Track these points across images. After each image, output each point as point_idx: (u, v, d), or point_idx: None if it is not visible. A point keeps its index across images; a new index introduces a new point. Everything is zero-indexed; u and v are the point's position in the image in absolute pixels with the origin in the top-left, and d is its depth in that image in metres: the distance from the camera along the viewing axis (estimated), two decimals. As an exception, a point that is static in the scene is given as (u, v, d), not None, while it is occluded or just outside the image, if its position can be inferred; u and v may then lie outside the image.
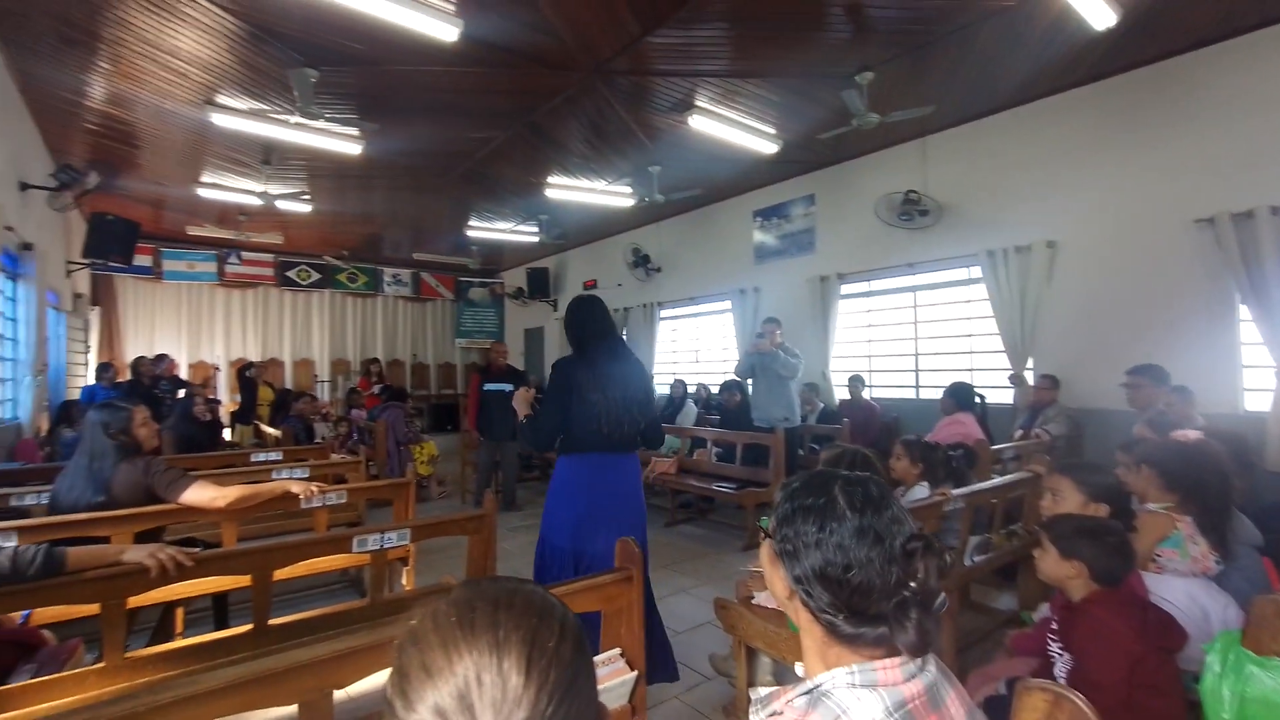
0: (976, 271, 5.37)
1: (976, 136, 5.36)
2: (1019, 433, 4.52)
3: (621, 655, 1.65)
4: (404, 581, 2.91)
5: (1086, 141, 4.71)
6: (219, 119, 4.80)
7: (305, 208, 6.98)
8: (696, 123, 5.00)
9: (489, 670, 0.44)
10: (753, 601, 2.21)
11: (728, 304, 7.65)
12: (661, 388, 8.46)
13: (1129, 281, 4.47)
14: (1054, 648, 1.49)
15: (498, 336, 12.21)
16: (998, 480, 2.77)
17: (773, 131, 5.43)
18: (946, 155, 5.58)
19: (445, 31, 3.51)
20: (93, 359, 7.90)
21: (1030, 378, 4.93)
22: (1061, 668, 1.45)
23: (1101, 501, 1.78)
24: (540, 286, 10.80)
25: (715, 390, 6.71)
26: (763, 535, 0.86)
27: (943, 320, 5.82)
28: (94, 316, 8.33)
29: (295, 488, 2.59)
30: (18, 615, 1.91)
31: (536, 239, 8.89)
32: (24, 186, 4.91)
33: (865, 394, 5.92)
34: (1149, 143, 4.39)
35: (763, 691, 0.78)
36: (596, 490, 2.32)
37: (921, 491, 2.58)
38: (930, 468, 2.67)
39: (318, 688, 1.19)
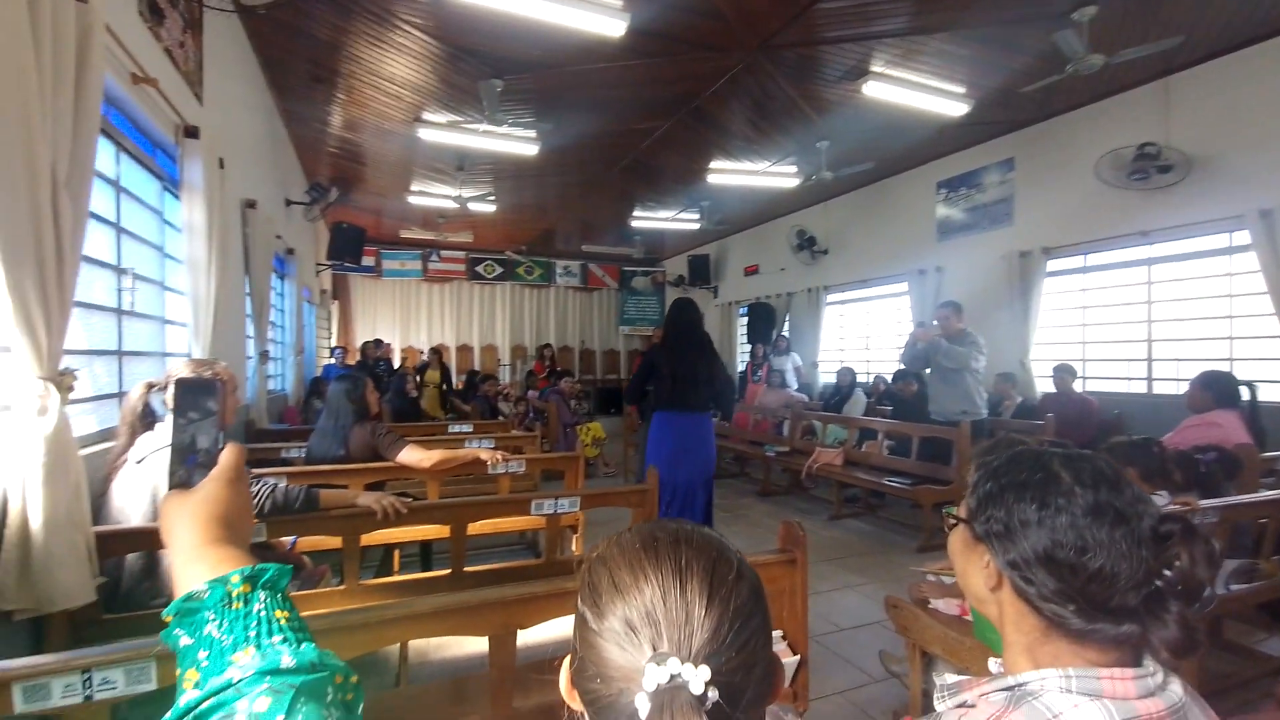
0: (1242, 237, 4.32)
1: (1242, 68, 4.29)
2: (1303, 439, 3.56)
3: (784, 638, 1.62)
4: (573, 548, 3.14)
5: None
6: (424, 133, 5.52)
7: (490, 207, 7.78)
8: (871, 90, 4.65)
9: (672, 593, 0.47)
10: (929, 606, 2.04)
11: (904, 286, 7.06)
12: (827, 376, 8.09)
13: None
14: (1356, 704, 1.17)
15: (659, 323, 12.56)
16: (1272, 494, 2.22)
17: (961, 90, 4.86)
18: (1198, 96, 4.54)
19: (613, 27, 3.66)
20: (334, 343, 9.61)
21: (1323, 370, 3.87)
22: (1368, 730, 1.13)
23: None
24: (701, 273, 10.88)
25: (890, 379, 6.24)
26: (951, 521, 0.78)
27: (1190, 299, 4.78)
28: (334, 309, 10.13)
29: (484, 455, 2.92)
30: (287, 540, 2.41)
31: (697, 225, 8.96)
32: (288, 203, 6.11)
33: (1077, 386, 5.10)
34: None
35: (950, 679, 0.71)
36: (676, 437, 3.39)
37: (1158, 501, 2.16)
38: (1151, 473, 2.17)
39: (504, 624, 1.34)
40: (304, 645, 0.46)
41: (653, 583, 0.48)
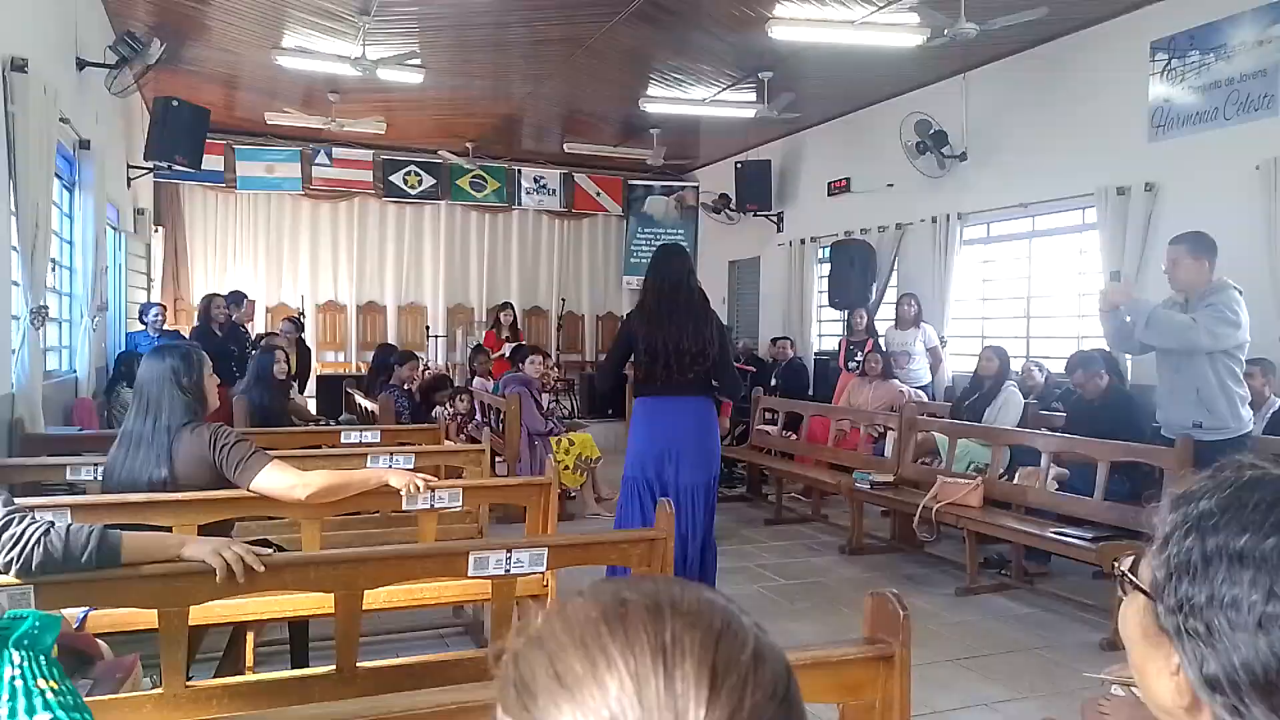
0: None
1: None
2: None
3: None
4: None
5: None
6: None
7: (415, 77, 7.74)
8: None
9: (652, 686, 0.45)
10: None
11: (1092, 215, 7.01)
12: (960, 360, 8.05)
13: None
14: None
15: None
16: None
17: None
18: None
19: None
20: (155, 295, 9.67)
21: None
22: None
23: None
24: (757, 192, 10.82)
25: (1065, 369, 6.21)
26: (1126, 582, 0.78)
27: None
28: (156, 240, 10.19)
29: (395, 480, 2.91)
30: (74, 615, 2.43)
31: (752, 113, 8.89)
32: (81, 65, 6.10)
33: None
34: None
35: None
36: (659, 427, 4.00)
37: None
38: None
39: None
40: None
41: (619, 671, 0.46)
